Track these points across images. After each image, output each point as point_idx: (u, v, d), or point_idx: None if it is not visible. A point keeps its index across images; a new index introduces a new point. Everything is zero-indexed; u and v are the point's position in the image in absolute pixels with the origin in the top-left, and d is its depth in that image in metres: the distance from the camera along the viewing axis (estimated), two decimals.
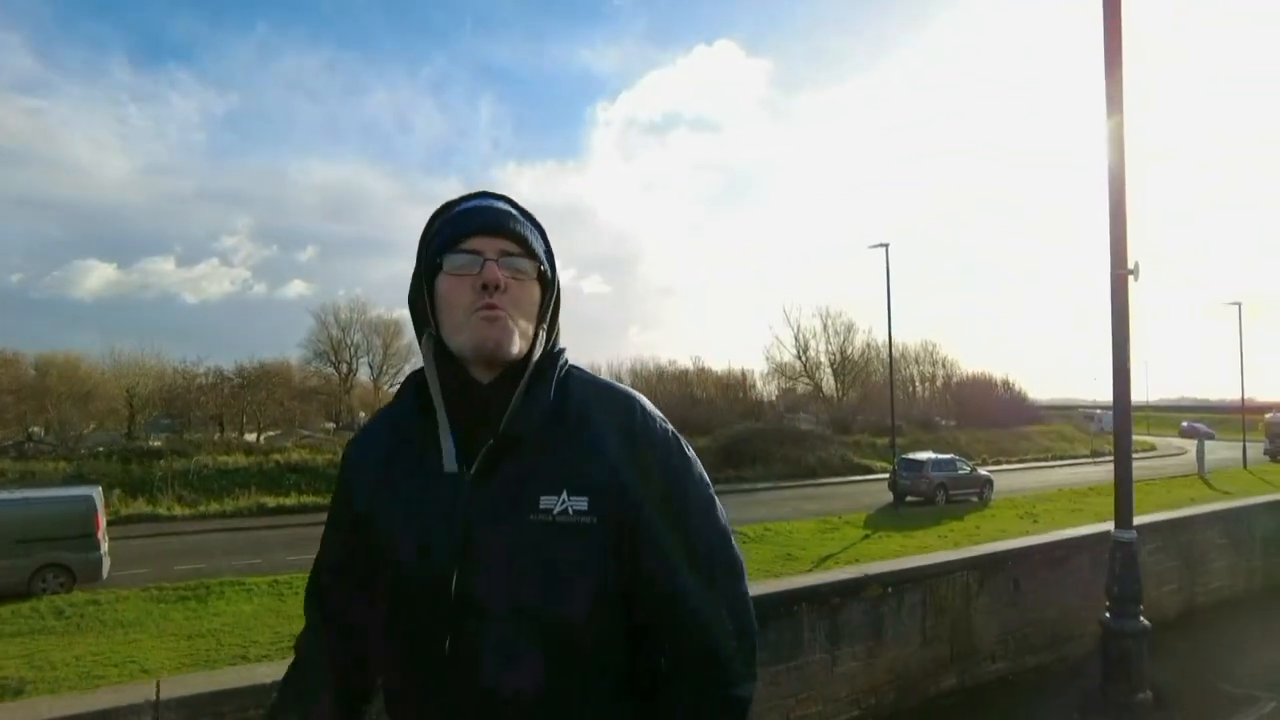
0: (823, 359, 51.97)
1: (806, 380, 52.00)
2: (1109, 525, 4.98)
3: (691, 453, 1.16)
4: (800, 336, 51.76)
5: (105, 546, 15.10)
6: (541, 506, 1.03)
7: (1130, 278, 4.71)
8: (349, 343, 52.58)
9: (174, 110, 75.73)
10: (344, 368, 52.60)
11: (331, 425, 45.01)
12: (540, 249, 1.15)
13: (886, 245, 27.71)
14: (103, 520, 15.27)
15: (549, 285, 1.16)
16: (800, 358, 51.76)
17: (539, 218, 1.20)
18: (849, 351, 52.03)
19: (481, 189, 1.19)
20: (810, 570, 14.12)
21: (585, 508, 1.04)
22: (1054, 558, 5.25)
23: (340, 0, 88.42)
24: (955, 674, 4.61)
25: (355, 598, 1.20)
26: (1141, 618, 4.44)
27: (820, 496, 28.42)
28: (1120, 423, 4.76)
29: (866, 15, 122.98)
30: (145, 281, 70.82)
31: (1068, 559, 5.31)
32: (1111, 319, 4.72)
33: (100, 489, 16.33)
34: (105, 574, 15.00)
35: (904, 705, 4.30)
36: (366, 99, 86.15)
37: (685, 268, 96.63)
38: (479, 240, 1.10)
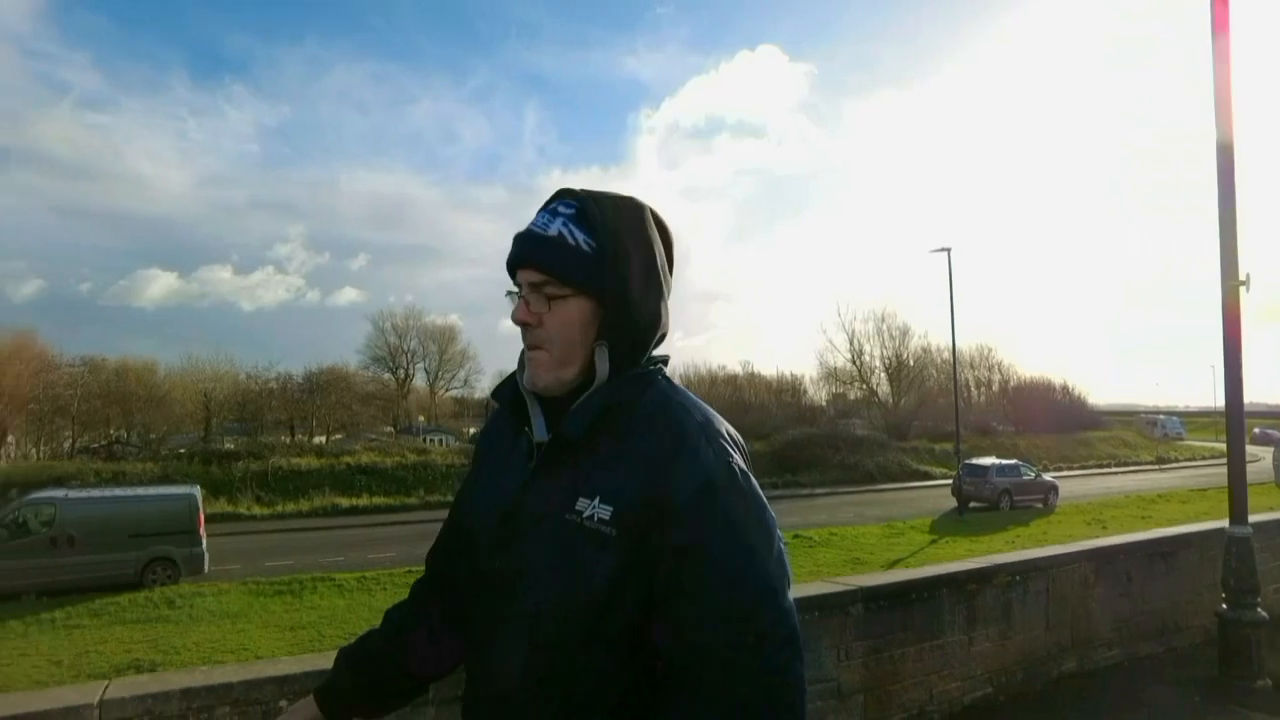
0: (877, 363, 51.61)
1: (861, 385, 51.61)
2: (1218, 524, 5.25)
3: (747, 489, 1.07)
4: (855, 340, 51.37)
5: (205, 542, 15.97)
6: (576, 507, 1.05)
7: (1241, 288, 4.98)
8: (405, 348, 53.46)
9: (229, 123, 78.95)
10: (401, 373, 53.46)
11: (390, 429, 45.95)
12: (578, 260, 1.10)
13: (948, 250, 27.74)
14: (202, 517, 16.16)
15: (606, 294, 1.11)
16: (855, 362, 51.36)
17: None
18: (904, 356, 51.57)
19: (560, 187, 1.18)
20: (884, 569, 14.33)
21: (608, 517, 1.03)
22: (1164, 553, 5.52)
23: (387, 13, 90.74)
24: (1075, 658, 4.91)
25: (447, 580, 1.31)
26: (1260, 609, 4.71)
27: (880, 502, 28.43)
28: (1233, 426, 5.04)
29: (912, 22, 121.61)
30: (204, 290, 73.15)
31: (1176, 554, 5.57)
32: (1223, 329, 5.00)
33: (199, 488, 17.26)
34: (206, 568, 15.86)
35: (1031, 686, 4.63)
36: (413, 109, 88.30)
37: (729, 272, 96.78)
38: (520, 273, 1.13)
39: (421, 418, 50.91)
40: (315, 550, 19.48)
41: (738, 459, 1.08)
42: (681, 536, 1.01)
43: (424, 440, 40.56)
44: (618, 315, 1.11)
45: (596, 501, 1.04)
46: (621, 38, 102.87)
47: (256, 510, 25.52)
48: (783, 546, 1.07)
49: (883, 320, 51.26)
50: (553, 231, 1.11)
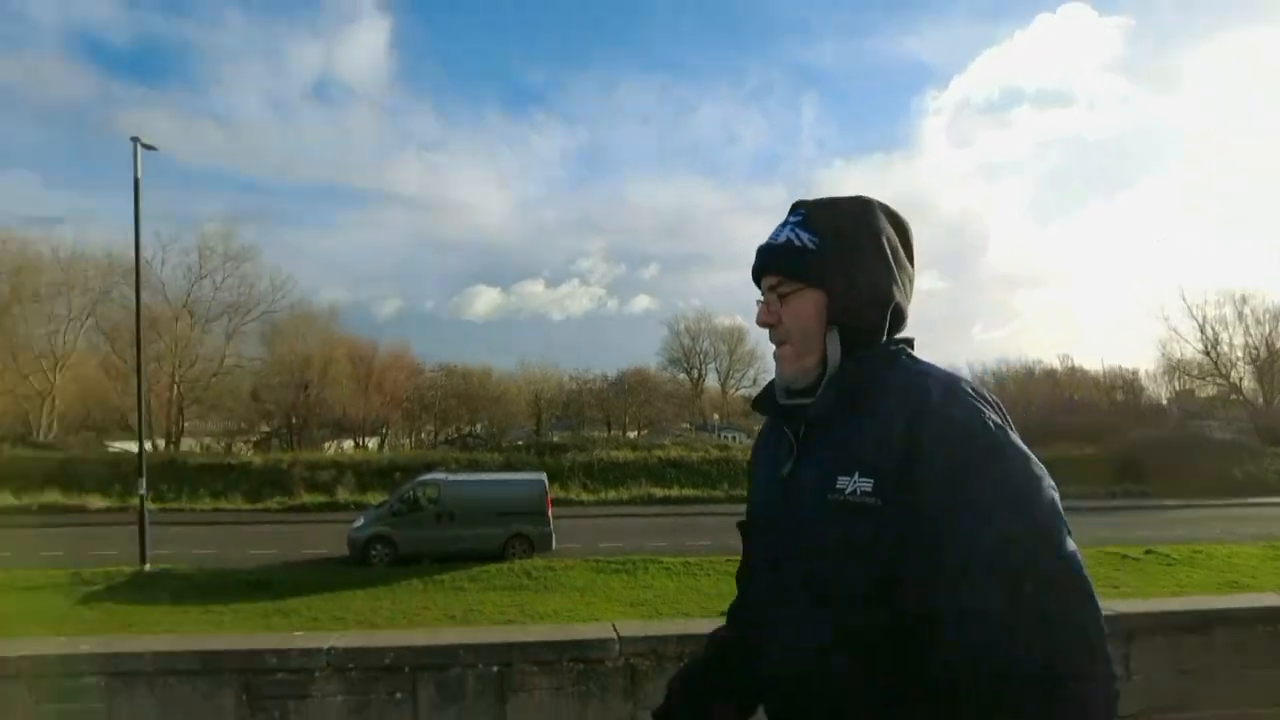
0: (1239, 354, 43.31)
1: (1220, 380, 43.70)
2: None
3: (1004, 440, 1.07)
4: (1208, 328, 43.26)
5: (553, 523, 18.05)
6: (838, 486, 1.10)
7: None
8: (698, 350, 55.57)
9: (535, 150, 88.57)
10: (694, 373, 55.68)
11: (687, 425, 48.09)
12: (802, 258, 1.21)
13: None
14: (550, 500, 18.28)
15: (830, 283, 1.20)
16: (1209, 353, 43.49)
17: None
18: (1275, 345, 42.77)
19: (796, 199, 1.30)
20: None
21: (870, 489, 1.08)
22: None
23: (660, 26, 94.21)
24: None
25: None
26: None
27: (1256, 518, 24.05)
28: None
29: None
30: (521, 303, 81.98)
31: None
32: None
33: (545, 475, 19.54)
34: (554, 546, 17.89)
35: None
36: (694, 117, 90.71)
37: (1035, 255, 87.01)
38: (762, 281, 1.27)
39: (715, 415, 52.75)
40: (638, 535, 21.08)
41: (992, 414, 1.09)
42: (940, 495, 1.04)
43: (719, 436, 42.07)
44: (845, 300, 1.19)
45: (856, 476, 1.09)
46: (900, 19, 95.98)
47: (584, 497, 28.28)
48: (1054, 495, 1.05)
49: (1244, 302, 42.87)
50: (782, 239, 1.25)
